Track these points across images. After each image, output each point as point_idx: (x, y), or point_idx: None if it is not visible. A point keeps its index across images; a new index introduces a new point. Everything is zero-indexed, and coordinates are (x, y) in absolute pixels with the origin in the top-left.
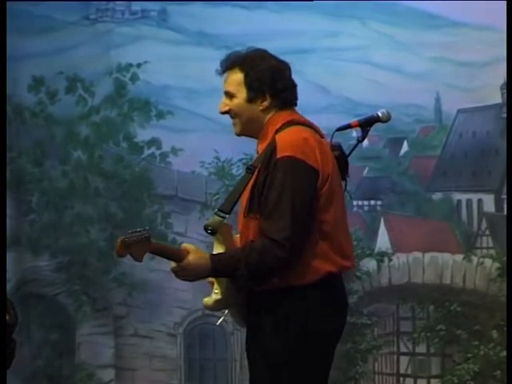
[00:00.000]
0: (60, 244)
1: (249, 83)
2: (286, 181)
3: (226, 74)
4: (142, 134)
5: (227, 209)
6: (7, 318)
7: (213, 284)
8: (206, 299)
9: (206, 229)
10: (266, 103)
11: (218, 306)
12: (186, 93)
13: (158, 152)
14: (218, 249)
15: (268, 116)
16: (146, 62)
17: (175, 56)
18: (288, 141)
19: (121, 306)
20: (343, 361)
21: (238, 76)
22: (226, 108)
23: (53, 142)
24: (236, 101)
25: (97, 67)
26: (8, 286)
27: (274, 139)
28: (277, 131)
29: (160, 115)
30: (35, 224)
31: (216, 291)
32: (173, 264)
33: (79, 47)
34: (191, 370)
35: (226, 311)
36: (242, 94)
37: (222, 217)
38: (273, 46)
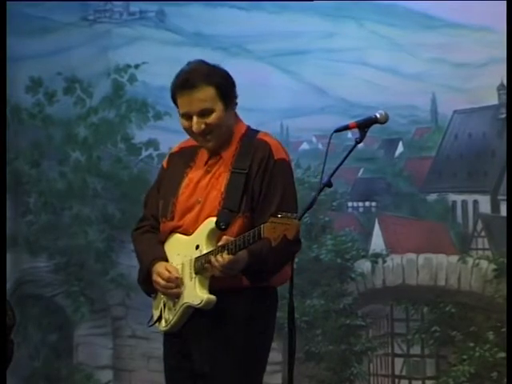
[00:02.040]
0: (58, 245)
1: (223, 93)
2: (288, 181)
3: (185, 97)
4: (140, 135)
5: (235, 206)
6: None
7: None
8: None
9: (218, 224)
10: (233, 109)
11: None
12: None
13: (155, 153)
14: (209, 247)
15: (233, 122)
16: (143, 63)
17: (173, 57)
18: (278, 145)
19: (119, 307)
20: (338, 362)
21: (210, 92)
22: (204, 127)
23: (51, 143)
24: (216, 115)
25: (95, 68)
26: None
27: (261, 142)
28: (243, 136)
29: (158, 116)
30: (33, 225)
31: (166, 320)
32: (225, 257)
33: (77, 48)
34: None
35: (157, 315)
36: (219, 107)
37: (231, 214)
38: (270, 47)
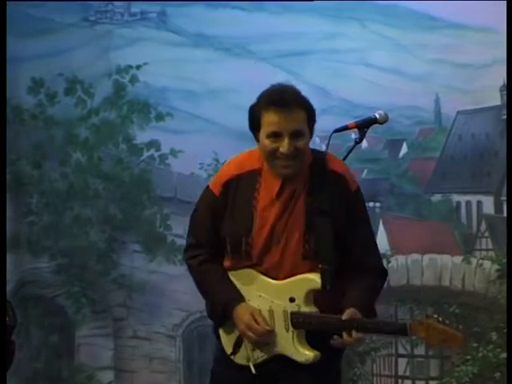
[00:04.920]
0: (59, 246)
1: (310, 122)
2: (366, 212)
3: (280, 115)
4: (141, 136)
5: (331, 258)
6: (6, 319)
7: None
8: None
9: (324, 286)
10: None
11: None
12: (185, 94)
13: (157, 154)
14: (307, 305)
15: None
16: (145, 64)
17: (174, 58)
18: (349, 172)
19: (120, 307)
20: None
21: (303, 115)
22: (293, 149)
23: (52, 143)
24: (306, 139)
25: (96, 69)
26: (7, 288)
27: (335, 175)
28: (312, 165)
29: (159, 117)
30: (34, 226)
31: (250, 357)
32: (356, 337)
33: (78, 49)
34: (190, 371)
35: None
36: (307, 135)
37: (331, 269)
38: (272, 48)
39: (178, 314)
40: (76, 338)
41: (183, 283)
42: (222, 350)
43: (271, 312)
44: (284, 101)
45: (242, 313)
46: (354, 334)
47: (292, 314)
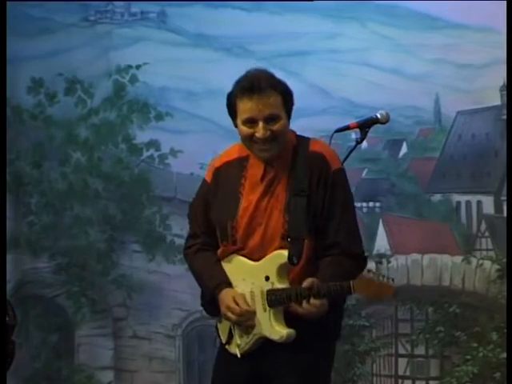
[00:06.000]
0: (59, 246)
1: (287, 104)
2: (346, 190)
3: (252, 101)
4: (141, 136)
5: (303, 233)
6: (6, 319)
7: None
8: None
9: (291, 259)
10: (288, 122)
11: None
12: (185, 94)
13: (156, 154)
14: (280, 281)
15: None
16: (145, 64)
17: (174, 58)
18: (331, 152)
19: (120, 307)
20: (341, 362)
21: (277, 98)
22: (269, 133)
23: (52, 143)
24: (282, 122)
25: (96, 69)
26: (7, 288)
27: (316, 155)
28: (296, 147)
29: (159, 117)
30: (34, 226)
31: (238, 344)
32: (314, 303)
33: (78, 49)
34: (190, 371)
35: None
36: (284, 116)
37: (300, 244)
38: (272, 48)
39: (177, 313)
40: (76, 338)
41: (183, 283)
42: (221, 342)
43: (252, 294)
44: (255, 87)
45: (224, 296)
46: (312, 300)
47: (267, 292)
